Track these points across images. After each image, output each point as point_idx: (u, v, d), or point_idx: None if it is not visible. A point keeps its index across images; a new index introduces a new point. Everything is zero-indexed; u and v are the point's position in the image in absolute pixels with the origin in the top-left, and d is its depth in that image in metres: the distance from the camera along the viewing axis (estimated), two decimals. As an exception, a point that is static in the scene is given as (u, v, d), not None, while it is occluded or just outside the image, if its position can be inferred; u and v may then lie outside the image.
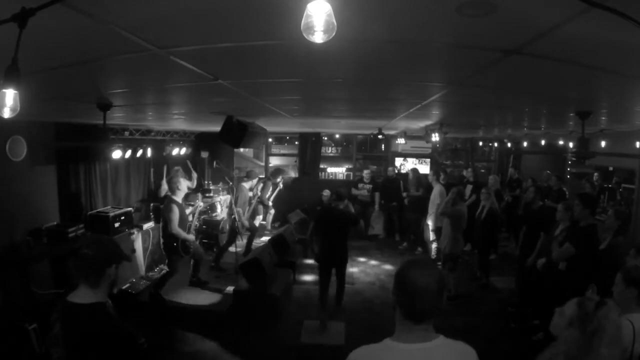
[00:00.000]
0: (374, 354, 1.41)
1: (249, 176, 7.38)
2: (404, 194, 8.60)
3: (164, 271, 5.88)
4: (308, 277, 6.72)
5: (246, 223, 7.00)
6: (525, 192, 6.78)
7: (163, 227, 5.33)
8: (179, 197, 5.24)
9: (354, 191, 8.94)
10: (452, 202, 5.79)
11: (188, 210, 5.71)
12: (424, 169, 9.83)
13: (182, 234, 5.16)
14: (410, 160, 10.53)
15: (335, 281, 5.27)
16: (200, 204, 6.43)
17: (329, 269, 5.17)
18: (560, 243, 4.13)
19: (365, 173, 9.34)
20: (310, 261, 7.40)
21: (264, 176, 9.21)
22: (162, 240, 5.43)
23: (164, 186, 6.89)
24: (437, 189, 7.20)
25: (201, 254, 5.87)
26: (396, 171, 9.73)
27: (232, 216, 6.65)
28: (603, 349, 1.56)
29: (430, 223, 7.23)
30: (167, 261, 5.49)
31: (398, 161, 10.44)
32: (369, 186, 9.05)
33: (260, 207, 8.21)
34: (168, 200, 5.23)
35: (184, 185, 5.32)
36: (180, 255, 5.20)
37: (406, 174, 9.50)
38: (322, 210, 5.87)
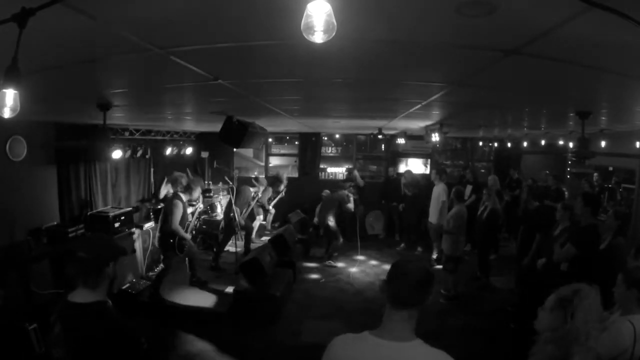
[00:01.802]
0: (348, 341, 1.49)
1: (258, 181, 7.40)
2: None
3: (158, 268, 5.89)
4: (308, 277, 6.73)
5: (242, 222, 7.00)
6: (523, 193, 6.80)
7: (162, 223, 5.34)
8: (185, 197, 5.27)
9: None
10: (449, 203, 5.81)
11: (189, 210, 5.72)
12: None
13: (181, 231, 5.17)
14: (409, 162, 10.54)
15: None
16: (200, 205, 6.44)
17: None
18: (562, 244, 4.12)
19: (348, 173, 9.13)
20: (310, 261, 7.43)
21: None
22: (158, 235, 5.44)
23: (164, 190, 6.91)
24: (440, 186, 7.24)
25: (195, 253, 5.88)
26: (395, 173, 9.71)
27: (231, 214, 6.64)
28: (581, 325, 1.68)
29: (434, 222, 7.23)
30: (162, 258, 5.51)
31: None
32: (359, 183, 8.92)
33: (260, 209, 8.20)
34: (174, 196, 5.26)
35: (197, 193, 5.41)
36: (174, 253, 5.21)
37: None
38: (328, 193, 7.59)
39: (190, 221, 5.64)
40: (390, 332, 1.42)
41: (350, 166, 10.32)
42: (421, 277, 1.44)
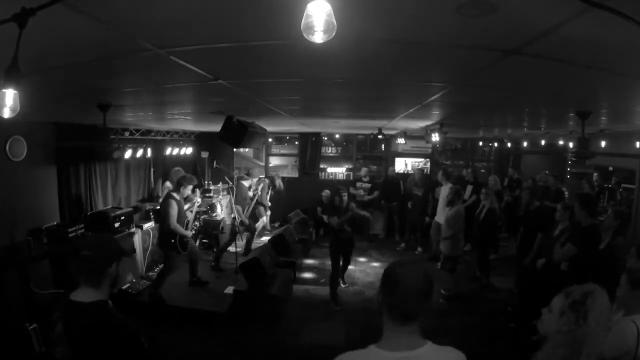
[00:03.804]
0: (356, 358, 1.37)
1: (249, 175, 7.40)
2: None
3: (158, 268, 5.86)
4: (308, 277, 6.73)
5: (246, 221, 6.99)
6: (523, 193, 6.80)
7: (161, 223, 5.34)
8: (178, 195, 5.26)
9: (352, 190, 8.88)
10: (450, 202, 5.80)
11: (185, 207, 5.71)
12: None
13: (180, 229, 5.16)
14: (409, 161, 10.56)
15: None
16: (197, 199, 6.41)
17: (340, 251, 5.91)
18: (563, 244, 4.12)
19: (364, 171, 9.29)
20: (310, 261, 7.43)
21: (263, 176, 9.21)
22: (159, 236, 5.43)
23: (164, 189, 6.90)
24: (449, 187, 7.25)
25: (197, 253, 5.87)
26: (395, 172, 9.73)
27: (232, 215, 6.64)
28: (593, 327, 1.61)
29: (440, 222, 7.22)
30: (164, 258, 5.49)
31: (399, 161, 10.40)
32: (367, 185, 8.99)
33: (261, 209, 8.20)
34: (167, 196, 5.25)
35: (188, 191, 5.37)
36: (177, 252, 5.21)
37: (407, 174, 9.52)
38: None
39: (189, 219, 5.63)
40: (398, 345, 1.32)
41: (351, 166, 10.36)
42: (423, 286, 1.32)
